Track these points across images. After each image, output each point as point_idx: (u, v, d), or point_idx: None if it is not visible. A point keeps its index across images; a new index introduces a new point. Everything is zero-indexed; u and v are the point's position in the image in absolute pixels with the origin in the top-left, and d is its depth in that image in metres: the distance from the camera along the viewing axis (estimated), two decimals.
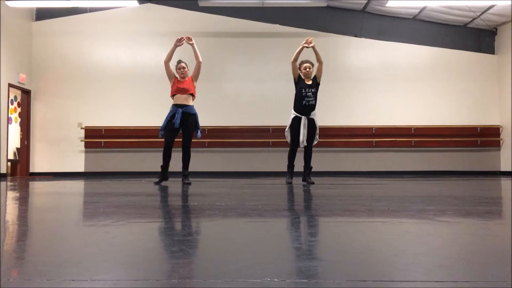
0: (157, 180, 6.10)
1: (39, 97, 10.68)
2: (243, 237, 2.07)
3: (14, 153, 11.42)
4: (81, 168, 10.51)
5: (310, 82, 6.01)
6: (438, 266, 1.45)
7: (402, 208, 3.15)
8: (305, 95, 5.89)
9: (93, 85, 10.62)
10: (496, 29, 10.78)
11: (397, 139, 10.49)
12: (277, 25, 10.71)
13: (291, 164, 6.18)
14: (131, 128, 10.47)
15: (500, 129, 10.63)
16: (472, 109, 10.73)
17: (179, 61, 6.12)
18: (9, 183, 6.92)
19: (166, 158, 6.02)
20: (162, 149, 6.02)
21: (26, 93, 10.54)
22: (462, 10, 9.98)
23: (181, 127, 5.90)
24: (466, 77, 10.75)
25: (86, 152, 10.56)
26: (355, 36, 10.75)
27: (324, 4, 9.67)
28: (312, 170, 6.20)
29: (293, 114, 6.02)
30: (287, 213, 3.04)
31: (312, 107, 5.95)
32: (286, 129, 6.13)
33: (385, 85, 10.68)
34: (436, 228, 2.29)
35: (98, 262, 1.54)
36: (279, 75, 10.17)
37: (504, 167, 10.51)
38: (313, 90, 5.93)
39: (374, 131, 10.55)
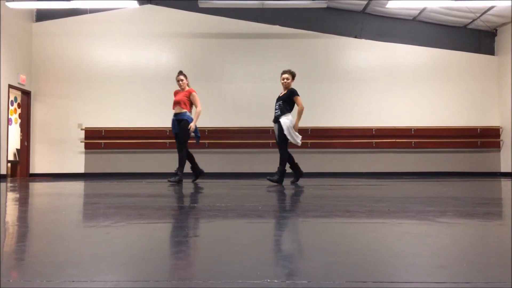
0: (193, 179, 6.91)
1: (39, 98, 10.68)
2: (243, 238, 2.07)
3: (14, 154, 11.42)
4: (81, 169, 10.51)
5: (281, 94, 6.42)
6: (438, 267, 1.45)
7: (402, 209, 3.14)
8: (275, 107, 6.40)
9: (93, 86, 10.62)
10: (496, 30, 10.78)
11: (397, 140, 10.48)
12: (277, 26, 10.71)
13: (291, 166, 6.49)
14: (131, 129, 10.47)
15: (500, 130, 10.62)
16: (472, 110, 10.73)
17: (179, 73, 6.67)
18: (9, 184, 6.92)
19: (188, 159, 6.70)
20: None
21: (26, 94, 10.54)
22: (462, 11, 9.98)
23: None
24: (466, 78, 10.75)
25: (86, 153, 10.55)
26: (355, 37, 10.75)
27: (324, 5, 9.66)
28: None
29: None
30: (287, 214, 3.04)
31: (278, 117, 6.30)
32: None
33: (385, 86, 10.68)
34: (436, 229, 2.28)
35: (98, 263, 1.54)
36: (279, 76, 10.12)
37: (504, 168, 10.50)
38: (279, 103, 6.33)
39: (374, 132, 10.54)
